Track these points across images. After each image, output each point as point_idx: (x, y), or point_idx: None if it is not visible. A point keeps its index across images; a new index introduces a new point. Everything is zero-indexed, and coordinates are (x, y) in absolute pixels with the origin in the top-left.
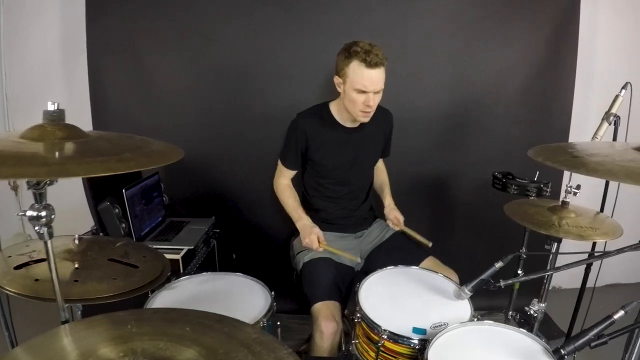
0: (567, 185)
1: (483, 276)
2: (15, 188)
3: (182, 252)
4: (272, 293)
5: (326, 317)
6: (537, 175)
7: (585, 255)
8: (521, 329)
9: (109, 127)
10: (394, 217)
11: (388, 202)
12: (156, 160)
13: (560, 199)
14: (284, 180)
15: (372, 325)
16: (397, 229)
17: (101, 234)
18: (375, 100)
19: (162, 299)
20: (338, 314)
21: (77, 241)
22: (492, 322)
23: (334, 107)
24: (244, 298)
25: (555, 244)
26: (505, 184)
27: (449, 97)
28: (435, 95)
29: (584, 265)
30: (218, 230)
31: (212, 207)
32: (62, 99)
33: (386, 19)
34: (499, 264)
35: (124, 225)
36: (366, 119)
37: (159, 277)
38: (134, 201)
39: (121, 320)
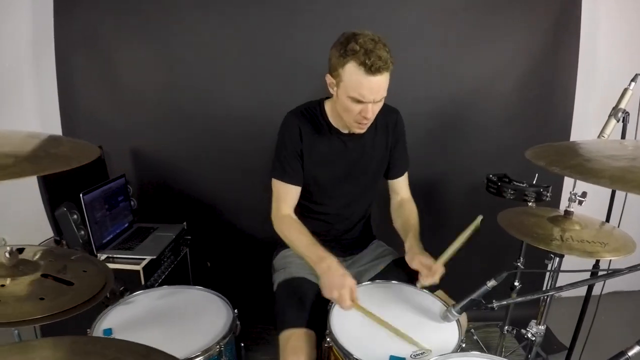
0: (571, 193)
1: (473, 296)
2: None
3: (144, 263)
4: (235, 311)
5: (294, 351)
6: (536, 178)
7: (590, 273)
8: None
9: (78, 127)
10: (419, 263)
11: (409, 244)
12: (47, 167)
13: (563, 208)
14: (285, 209)
15: (343, 352)
16: (427, 282)
17: (64, 242)
18: (374, 110)
19: (115, 316)
20: (310, 345)
21: (7, 254)
22: (478, 353)
23: (328, 107)
24: (203, 317)
25: (557, 259)
26: (501, 188)
27: (438, 92)
28: (424, 90)
29: (588, 272)
30: (189, 237)
31: (184, 212)
32: (32, 98)
33: (372, 10)
34: (491, 283)
35: (82, 232)
36: (361, 131)
37: (97, 295)
38: (95, 206)
39: (32, 350)
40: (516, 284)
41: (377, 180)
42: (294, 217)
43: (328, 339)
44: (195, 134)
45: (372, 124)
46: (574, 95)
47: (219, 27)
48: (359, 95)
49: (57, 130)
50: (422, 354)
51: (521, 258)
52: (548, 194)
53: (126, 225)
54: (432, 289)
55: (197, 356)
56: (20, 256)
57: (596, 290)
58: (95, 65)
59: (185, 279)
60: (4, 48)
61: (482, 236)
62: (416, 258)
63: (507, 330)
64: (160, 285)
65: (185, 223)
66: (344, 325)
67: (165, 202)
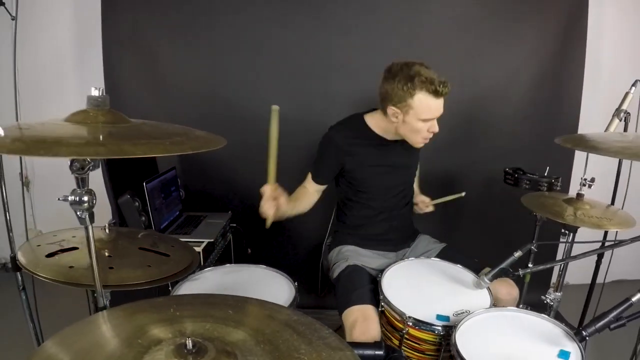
0: (582, 178)
1: (503, 265)
2: (27, 183)
3: (203, 245)
4: (296, 284)
5: (365, 318)
6: (547, 171)
7: (599, 244)
8: (543, 315)
9: None
10: (421, 200)
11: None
12: (205, 144)
13: (576, 192)
14: (309, 188)
15: (397, 313)
16: (427, 209)
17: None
18: (436, 124)
19: (187, 291)
20: (374, 317)
21: (107, 230)
22: (514, 308)
23: (371, 121)
24: (268, 288)
25: (571, 234)
26: (518, 179)
27: (456, 95)
28: None
29: (594, 261)
30: (235, 225)
31: (227, 202)
32: (74, 92)
33: (393, 17)
34: (518, 253)
35: (143, 218)
36: (423, 144)
37: (190, 265)
38: (154, 195)
39: (162, 305)
40: (530, 265)
41: (413, 176)
42: (308, 191)
43: (382, 304)
44: (238, 126)
45: None
46: (580, 97)
47: (262, 23)
48: (431, 115)
49: None
50: (462, 313)
51: (534, 242)
52: (558, 184)
53: (177, 213)
54: (478, 267)
55: None
56: None
57: (600, 279)
58: (142, 60)
59: (228, 257)
60: (50, 47)
61: (497, 224)
62: (419, 197)
63: (522, 308)
64: (215, 264)
65: (230, 212)
66: (394, 290)
67: (209, 192)
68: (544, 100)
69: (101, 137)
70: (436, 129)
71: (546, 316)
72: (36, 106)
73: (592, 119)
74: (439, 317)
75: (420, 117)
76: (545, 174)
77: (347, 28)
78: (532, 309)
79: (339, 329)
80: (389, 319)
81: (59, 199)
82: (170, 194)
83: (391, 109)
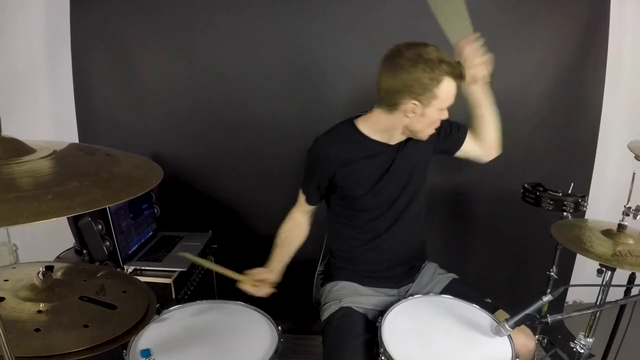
0: (625, 207)
1: (528, 311)
2: None
3: (174, 276)
4: (279, 328)
5: None
6: (571, 188)
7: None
8: None
9: (95, 128)
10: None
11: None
12: (115, 195)
13: (617, 222)
14: (297, 214)
15: None
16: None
17: (84, 251)
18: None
19: (150, 336)
20: None
21: (41, 276)
22: None
23: (365, 125)
24: (246, 335)
25: (609, 272)
26: (539, 198)
27: (465, 101)
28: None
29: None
30: (215, 246)
31: (209, 220)
32: (47, 99)
33: (399, 18)
34: (547, 298)
35: (108, 243)
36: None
37: (144, 319)
38: (120, 216)
39: None
40: (549, 291)
41: (423, 189)
42: (299, 222)
43: (382, 357)
44: (220, 138)
45: None
46: (601, 103)
47: (240, 28)
48: (451, 102)
49: (73, 133)
50: None
51: (554, 267)
52: (585, 204)
53: (150, 234)
54: (491, 309)
55: None
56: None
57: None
58: (113, 66)
59: (210, 289)
60: (18, 48)
61: (510, 243)
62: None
63: (538, 340)
64: (190, 298)
65: (210, 231)
66: (397, 339)
67: (188, 209)
68: (562, 107)
69: None
70: (447, 114)
71: None
72: (9, 114)
73: (614, 126)
74: None
75: (442, 106)
76: (569, 192)
77: (346, 28)
78: (548, 340)
79: None
80: None
81: None
82: (141, 212)
83: (411, 103)
